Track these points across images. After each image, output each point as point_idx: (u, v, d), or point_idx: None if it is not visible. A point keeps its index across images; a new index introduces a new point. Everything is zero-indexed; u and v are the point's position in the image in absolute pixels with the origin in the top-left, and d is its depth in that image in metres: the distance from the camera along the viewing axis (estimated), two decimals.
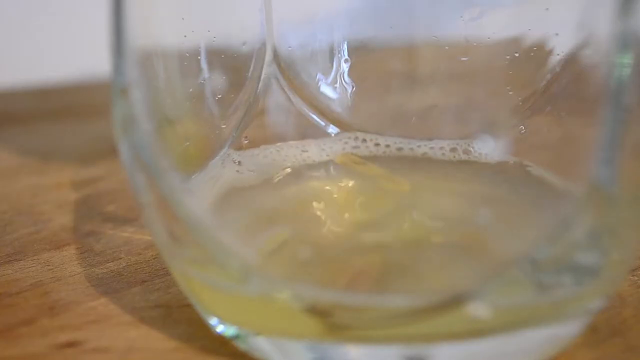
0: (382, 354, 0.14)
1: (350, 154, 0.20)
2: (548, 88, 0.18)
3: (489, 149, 0.19)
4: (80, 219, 0.23)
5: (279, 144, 0.20)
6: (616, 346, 0.16)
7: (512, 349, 0.14)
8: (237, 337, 0.15)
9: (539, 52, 0.19)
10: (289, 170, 0.20)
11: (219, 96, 0.19)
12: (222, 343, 0.16)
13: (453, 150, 0.20)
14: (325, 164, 0.20)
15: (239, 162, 0.19)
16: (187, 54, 0.19)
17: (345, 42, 0.21)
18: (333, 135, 0.21)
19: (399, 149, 0.20)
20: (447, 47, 0.20)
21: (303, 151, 0.20)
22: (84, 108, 0.38)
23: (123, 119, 0.15)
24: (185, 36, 0.19)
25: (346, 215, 0.18)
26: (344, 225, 0.18)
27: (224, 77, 0.20)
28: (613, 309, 0.17)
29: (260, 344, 0.15)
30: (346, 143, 0.20)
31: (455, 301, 0.13)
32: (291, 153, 0.20)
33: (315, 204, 0.19)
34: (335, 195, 0.19)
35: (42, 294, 0.18)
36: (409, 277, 0.14)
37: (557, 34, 0.18)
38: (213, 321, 0.16)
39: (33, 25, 0.45)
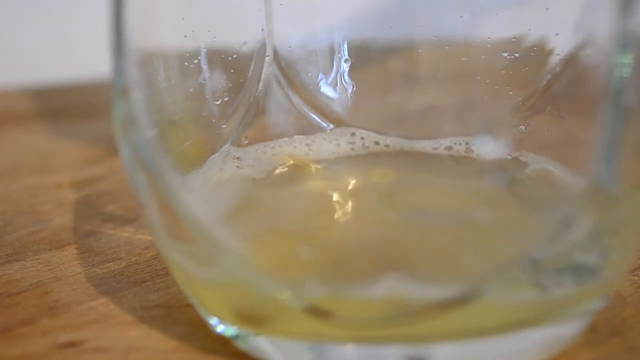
0: (382, 354, 0.14)
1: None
2: (548, 88, 0.18)
3: (489, 148, 0.19)
4: (80, 219, 0.23)
5: (275, 140, 0.20)
6: (616, 346, 0.16)
7: (513, 349, 0.14)
8: (237, 337, 0.15)
9: (539, 52, 0.19)
10: (286, 166, 0.20)
11: (219, 96, 0.19)
12: (222, 343, 0.16)
13: (453, 149, 0.20)
14: (324, 161, 0.20)
15: (239, 158, 0.19)
16: (187, 54, 0.19)
17: (345, 42, 0.21)
18: (329, 130, 0.21)
19: (399, 147, 0.20)
20: (447, 47, 0.20)
21: (301, 146, 0.20)
22: (84, 108, 0.38)
23: (123, 119, 0.15)
24: (185, 36, 0.19)
25: (343, 211, 0.18)
26: (339, 221, 0.18)
27: (224, 77, 0.20)
28: (613, 309, 0.17)
29: (260, 344, 0.15)
30: (353, 143, 0.20)
31: (456, 301, 0.13)
32: (288, 149, 0.20)
33: (311, 199, 0.19)
34: (332, 192, 0.19)
35: (42, 294, 0.18)
36: (406, 277, 0.14)
37: (557, 34, 0.18)
38: (213, 321, 0.16)
39: (33, 25, 0.45)
